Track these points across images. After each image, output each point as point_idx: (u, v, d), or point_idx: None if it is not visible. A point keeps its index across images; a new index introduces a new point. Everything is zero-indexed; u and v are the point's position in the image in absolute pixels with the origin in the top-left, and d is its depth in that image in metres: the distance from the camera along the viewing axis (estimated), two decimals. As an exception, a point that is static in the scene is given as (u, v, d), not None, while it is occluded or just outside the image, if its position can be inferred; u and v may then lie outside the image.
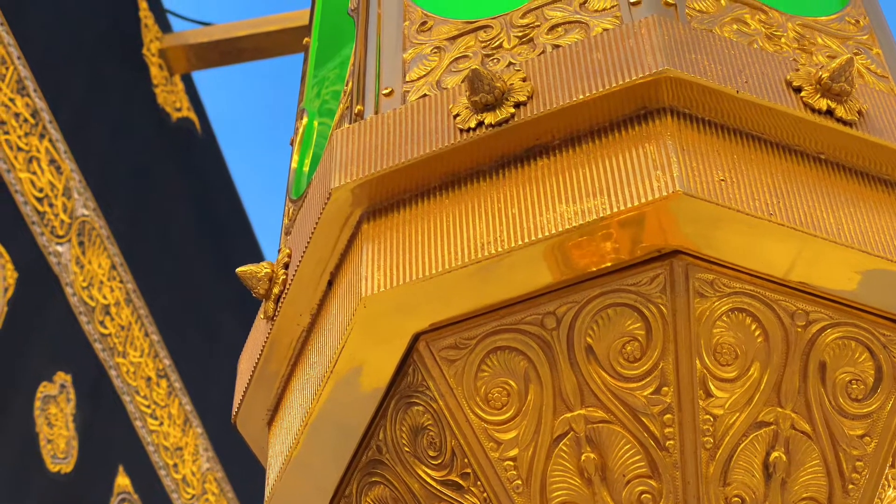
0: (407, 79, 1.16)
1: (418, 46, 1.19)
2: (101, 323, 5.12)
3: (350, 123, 1.17)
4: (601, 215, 0.98)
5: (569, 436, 1.00)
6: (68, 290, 4.96)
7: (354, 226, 1.09)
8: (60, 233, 4.97)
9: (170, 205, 5.71)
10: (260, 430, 1.22)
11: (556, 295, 1.01)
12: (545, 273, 1.01)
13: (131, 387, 5.23)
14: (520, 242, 0.99)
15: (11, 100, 4.82)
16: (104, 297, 5.16)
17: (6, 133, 4.76)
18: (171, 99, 5.78)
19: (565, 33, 1.12)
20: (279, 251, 1.27)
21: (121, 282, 5.28)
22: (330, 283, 1.11)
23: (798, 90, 1.04)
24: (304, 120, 1.41)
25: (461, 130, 1.06)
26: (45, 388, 4.81)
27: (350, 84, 1.23)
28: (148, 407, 5.30)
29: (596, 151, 1.02)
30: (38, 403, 4.76)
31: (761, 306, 0.99)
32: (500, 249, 1.00)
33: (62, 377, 4.90)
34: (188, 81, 5.91)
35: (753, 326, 0.99)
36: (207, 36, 5.74)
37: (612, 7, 1.12)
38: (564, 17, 1.13)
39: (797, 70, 1.05)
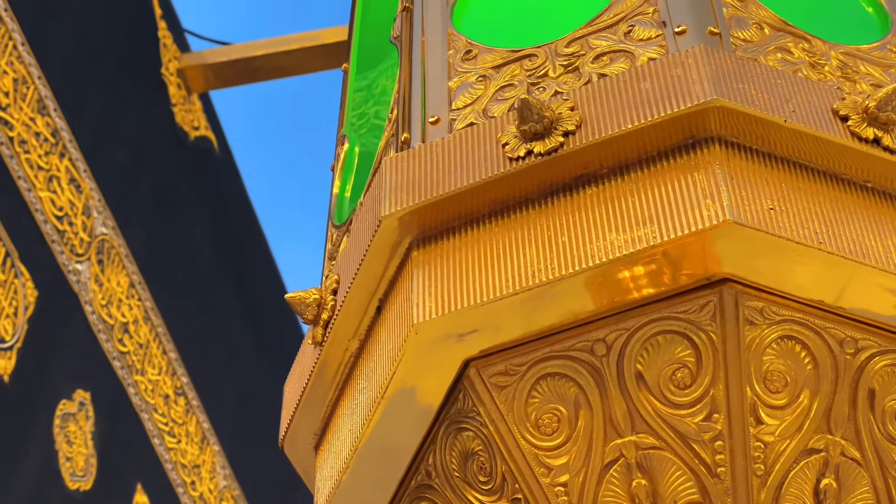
0: (453, 107, 1.18)
1: (463, 75, 1.20)
2: (120, 341, 5.14)
3: (397, 151, 1.19)
4: (651, 243, 0.99)
5: (619, 462, 1.01)
6: (87, 309, 4.99)
7: (404, 253, 1.10)
8: (80, 251, 5.00)
9: (187, 223, 5.74)
10: (307, 454, 1.23)
11: (605, 322, 1.02)
12: (595, 300, 1.02)
13: (149, 404, 5.25)
14: (570, 270, 1.00)
15: (32, 119, 4.85)
16: (123, 315, 5.18)
17: (27, 152, 4.79)
18: (189, 118, 5.81)
19: (611, 62, 1.13)
20: (325, 276, 1.28)
21: (139, 300, 5.30)
22: (379, 310, 1.13)
23: (845, 119, 1.05)
24: (346, 146, 1.42)
25: (510, 159, 1.07)
26: (64, 406, 4.83)
27: (395, 111, 1.25)
28: (166, 424, 5.31)
29: (644, 180, 1.03)
30: (57, 421, 4.78)
31: (810, 334, 1.00)
32: (550, 277, 1.01)
33: (81, 395, 4.92)
34: (206, 100, 5.95)
35: (803, 354, 1.00)
36: (225, 55, 5.77)
37: (657, 36, 1.13)
38: (609, 47, 1.15)
39: (843, 99, 1.06)
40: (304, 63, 5.82)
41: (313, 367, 1.17)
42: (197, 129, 5.86)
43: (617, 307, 1.02)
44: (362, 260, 1.11)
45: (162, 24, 5.68)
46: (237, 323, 6.04)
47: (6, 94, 4.71)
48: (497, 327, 1.03)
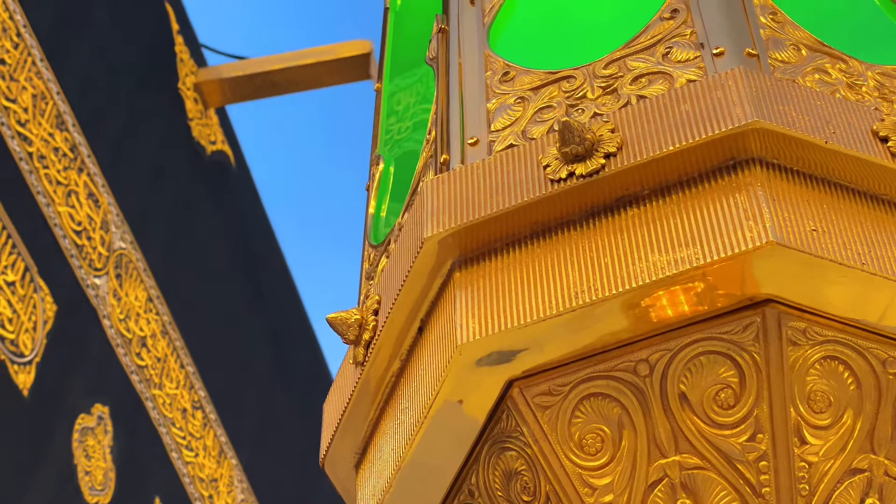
0: (492, 128, 1.19)
1: (502, 96, 1.21)
2: (138, 355, 5.16)
3: (436, 172, 1.20)
4: (694, 265, 1.00)
5: (664, 482, 1.02)
6: (106, 323, 5.01)
7: (446, 274, 1.11)
8: (98, 266, 5.02)
9: (204, 236, 5.76)
10: (347, 473, 1.24)
11: (648, 342, 1.03)
12: (638, 321, 1.03)
13: (167, 418, 5.26)
14: (613, 291, 1.01)
15: (51, 134, 4.88)
16: (141, 330, 5.20)
17: (46, 167, 4.82)
18: (206, 132, 5.84)
19: (649, 84, 1.14)
20: (364, 296, 1.29)
21: (157, 314, 5.32)
22: (421, 330, 1.14)
23: (885, 140, 1.06)
24: (381, 166, 1.43)
25: (552, 181, 1.08)
26: (83, 420, 4.85)
27: (433, 132, 1.26)
28: (184, 438, 5.32)
29: (686, 201, 1.04)
30: (76, 435, 4.80)
31: (853, 354, 1.01)
32: (594, 298, 1.02)
33: (100, 409, 4.94)
34: (222, 115, 5.97)
35: (846, 374, 1.01)
36: (242, 69, 5.80)
37: (696, 58, 1.14)
38: (648, 68, 1.16)
39: (882, 120, 1.07)
40: (319, 77, 5.85)
41: (354, 386, 1.18)
42: (214, 143, 5.89)
43: (659, 328, 1.03)
44: (404, 281, 1.12)
45: (179, 39, 5.71)
46: (254, 337, 6.05)
47: (25, 110, 4.74)
48: (540, 348, 1.04)
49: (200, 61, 5.86)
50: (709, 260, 0.99)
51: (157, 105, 5.53)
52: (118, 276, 5.11)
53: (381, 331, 1.15)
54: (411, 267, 1.11)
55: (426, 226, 1.10)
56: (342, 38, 5.92)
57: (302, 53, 5.80)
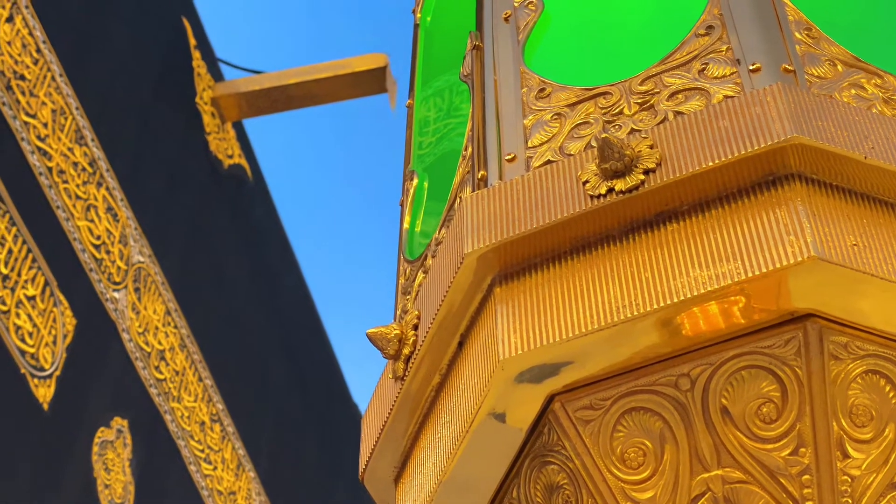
0: (529, 144, 1.20)
1: (538, 113, 1.22)
2: (157, 368, 5.18)
3: (473, 188, 1.21)
4: (736, 280, 1.00)
5: (706, 496, 1.03)
6: (125, 336, 5.03)
7: (486, 289, 1.12)
8: (117, 279, 5.04)
9: (222, 250, 5.78)
10: (386, 487, 1.25)
11: (689, 357, 1.04)
12: (679, 336, 1.03)
13: (186, 431, 5.28)
14: (655, 306, 1.02)
15: (70, 149, 4.91)
16: (159, 343, 5.22)
17: (65, 182, 4.85)
18: (223, 146, 5.87)
19: (686, 100, 1.15)
20: (401, 311, 1.30)
21: (175, 327, 5.34)
22: (461, 345, 1.15)
23: (923, 156, 1.06)
24: (414, 181, 1.44)
25: (591, 197, 1.09)
26: (102, 434, 4.86)
27: (469, 148, 1.27)
28: (202, 451, 5.34)
29: (726, 217, 1.05)
30: (95, 448, 4.81)
31: (895, 368, 1.02)
32: (635, 313, 1.02)
33: (119, 422, 4.95)
34: (239, 129, 6.00)
35: (888, 388, 1.02)
36: (258, 84, 5.83)
37: (732, 74, 1.15)
38: (684, 84, 1.17)
39: (920, 135, 1.08)
40: (335, 91, 5.88)
41: (394, 401, 1.19)
42: (231, 157, 5.91)
43: (700, 342, 1.04)
44: (445, 296, 1.13)
45: (196, 54, 5.74)
46: (271, 349, 6.07)
47: (45, 125, 4.77)
48: (582, 362, 1.05)
49: (217, 76, 5.88)
50: (750, 275, 1.00)
51: (175, 119, 5.56)
52: (137, 290, 5.13)
53: (421, 346, 1.16)
54: (451, 282, 1.12)
55: (466, 241, 1.11)
56: (358, 51, 5.95)
57: (318, 67, 5.82)
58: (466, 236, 1.12)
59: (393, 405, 1.20)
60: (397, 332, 1.19)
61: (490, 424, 1.08)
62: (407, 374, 1.18)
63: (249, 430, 5.67)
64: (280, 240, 6.28)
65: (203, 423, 5.38)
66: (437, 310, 1.14)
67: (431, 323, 1.15)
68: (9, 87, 4.61)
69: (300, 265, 6.38)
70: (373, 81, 5.77)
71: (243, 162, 5.99)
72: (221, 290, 5.69)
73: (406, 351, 1.18)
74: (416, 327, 1.19)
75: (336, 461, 6.46)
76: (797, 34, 1.18)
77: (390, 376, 1.22)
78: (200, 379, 5.42)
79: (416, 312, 1.20)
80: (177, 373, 5.27)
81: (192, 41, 5.72)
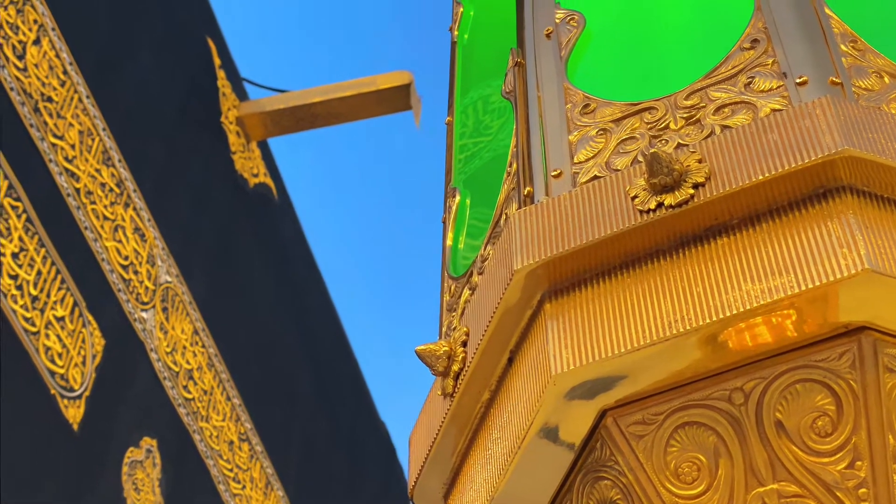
0: (575, 160, 1.20)
1: (583, 128, 1.23)
2: (185, 387, 5.19)
3: (520, 204, 1.22)
4: (789, 293, 1.00)
5: (762, 510, 1.02)
6: (153, 356, 5.04)
7: (536, 305, 1.12)
8: (145, 299, 5.06)
9: (248, 269, 5.80)
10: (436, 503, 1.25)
11: (742, 371, 1.04)
12: (732, 350, 1.03)
13: (214, 450, 5.28)
14: (707, 320, 1.02)
15: (97, 170, 4.94)
16: (187, 362, 5.23)
17: (93, 203, 4.87)
18: (249, 165, 5.89)
19: (732, 114, 1.15)
20: (448, 327, 1.30)
21: (202, 346, 5.35)
22: (510, 361, 1.15)
23: (974, 166, 1.06)
24: (457, 198, 1.45)
25: (640, 212, 1.09)
26: (131, 454, 4.87)
27: (514, 165, 1.27)
28: (231, 470, 5.34)
29: (776, 230, 1.05)
30: (125, 469, 4.82)
31: (951, 380, 1.01)
32: (688, 327, 1.02)
33: (148, 442, 4.97)
34: (264, 147, 6.03)
35: (944, 400, 1.01)
36: (283, 103, 5.85)
37: (779, 87, 1.15)
38: (730, 98, 1.17)
39: (970, 146, 1.08)
40: (360, 109, 5.89)
41: (444, 418, 1.20)
42: (256, 176, 5.94)
43: (754, 356, 1.04)
44: (494, 312, 1.13)
45: (221, 74, 5.77)
46: (299, 368, 6.08)
47: (72, 147, 4.80)
48: (634, 377, 1.05)
49: (242, 95, 5.91)
50: (803, 288, 1.00)
51: (201, 139, 5.59)
52: (164, 310, 5.15)
53: (470, 362, 1.17)
54: (501, 298, 1.13)
55: (516, 258, 1.11)
56: (382, 69, 5.97)
57: (342, 86, 5.85)
58: (516, 253, 1.12)
59: (442, 422, 1.20)
60: (446, 348, 1.20)
61: (542, 440, 1.08)
62: (456, 390, 1.18)
63: (277, 448, 5.67)
64: (305, 257, 6.29)
65: (231, 442, 5.39)
66: (487, 326, 1.14)
67: (481, 339, 1.15)
68: (36, 109, 4.65)
69: (325, 281, 6.39)
70: (397, 99, 5.79)
71: (269, 181, 6.02)
72: (248, 309, 5.71)
73: (455, 368, 1.18)
74: (464, 344, 1.19)
75: (363, 479, 6.45)
76: (843, 46, 1.18)
77: (439, 393, 1.22)
78: (228, 398, 5.43)
79: (465, 329, 1.20)
80: (205, 392, 5.29)
81: (217, 61, 5.75)
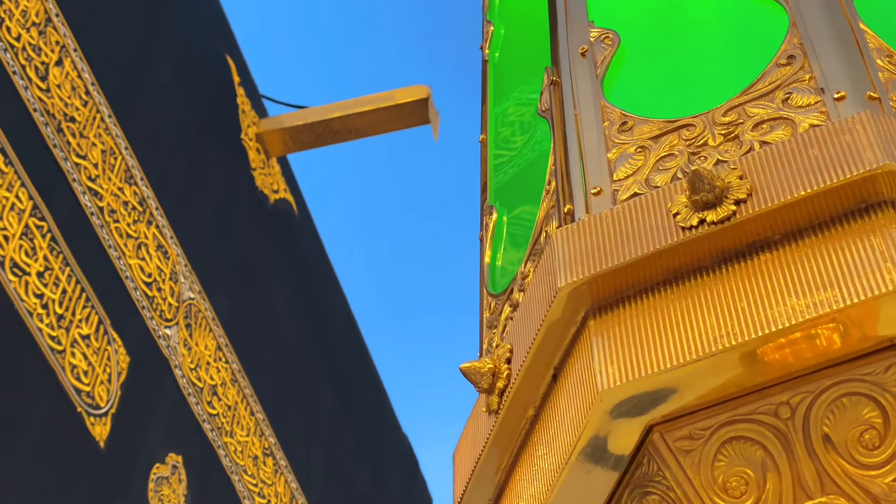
0: (614, 178, 1.21)
1: (621, 146, 1.24)
2: (210, 403, 5.21)
3: (560, 222, 1.23)
4: (834, 308, 1.01)
5: (811, 523, 1.03)
6: (177, 372, 5.06)
7: (580, 322, 1.13)
8: (169, 316, 5.09)
9: (270, 284, 5.82)
10: (482, 520, 1.26)
11: (788, 385, 1.05)
12: (778, 364, 1.04)
13: (239, 466, 5.30)
14: (753, 335, 1.03)
15: (120, 189, 4.97)
16: (211, 378, 5.25)
17: (116, 221, 4.90)
18: (269, 181, 5.92)
19: (771, 130, 1.16)
20: (490, 344, 1.32)
21: (226, 362, 5.37)
22: (555, 377, 1.16)
23: None
24: (494, 216, 1.46)
25: (683, 228, 1.10)
26: (158, 470, 4.89)
27: (553, 183, 1.28)
28: (255, 485, 5.36)
29: (819, 245, 1.06)
30: (151, 485, 4.84)
31: None
32: (733, 342, 1.03)
33: (174, 458, 4.98)
34: (284, 164, 6.05)
35: None
36: (302, 119, 5.88)
37: (817, 103, 1.16)
38: (768, 114, 1.18)
39: None
40: (378, 123, 5.91)
41: (489, 434, 1.21)
42: (276, 192, 5.96)
43: (798, 371, 1.04)
44: (539, 330, 1.14)
45: (240, 91, 5.81)
46: (321, 382, 6.09)
47: (95, 166, 4.83)
48: (680, 393, 1.06)
49: (261, 112, 5.94)
50: (848, 303, 1.01)
51: (221, 156, 5.62)
52: (188, 326, 5.17)
53: (515, 379, 1.18)
54: (545, 316, 1.14)
55: (559, 276, 1.13)
56: (399, 83, 5.99)
57: (360, 101, 5.87)
58: (559, 271, 1.13)
59: (487, 438, 1.21)
60: (490, 366, 1.21)
61: (589, 456, 1.09)
62: (501, 407, 1.19)
63: (301, 462, 5.69)
64: (326, 272, 6.31)
65: (256, 457, 5.40)
66: (531, 343, 1.16)
67: (525, 356, 1.17)
68: (59, 130, 4.68)
69: (347, 296, 6.41)
70: (415, 113, 5.81)
71: (289, 196, 6.04)
72: (270, 324, 5.73)
73: (500, 384, 1.20)
74: (508, 361, 1.20)
75: (386, 491, 6.46)
76: (879, 61, 1.19)
77: (484, 410, 1.23)
78: (252, 413, 5.45)
79: (509, 346, 1.21)
80: (229, 407, 5.31)
81: (236, 78, 5.79)
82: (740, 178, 1.10)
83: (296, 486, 5.62)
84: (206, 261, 5.37)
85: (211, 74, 5.69)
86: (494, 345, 1.29)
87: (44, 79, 4.60)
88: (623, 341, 1.08)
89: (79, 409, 4.48)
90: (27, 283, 4.29)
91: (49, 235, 4.45)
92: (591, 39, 1.37)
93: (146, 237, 5.09)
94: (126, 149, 5.04)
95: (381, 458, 6.55)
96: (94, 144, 4.85)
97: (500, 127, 1.62)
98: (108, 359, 4.69)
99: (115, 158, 4.95)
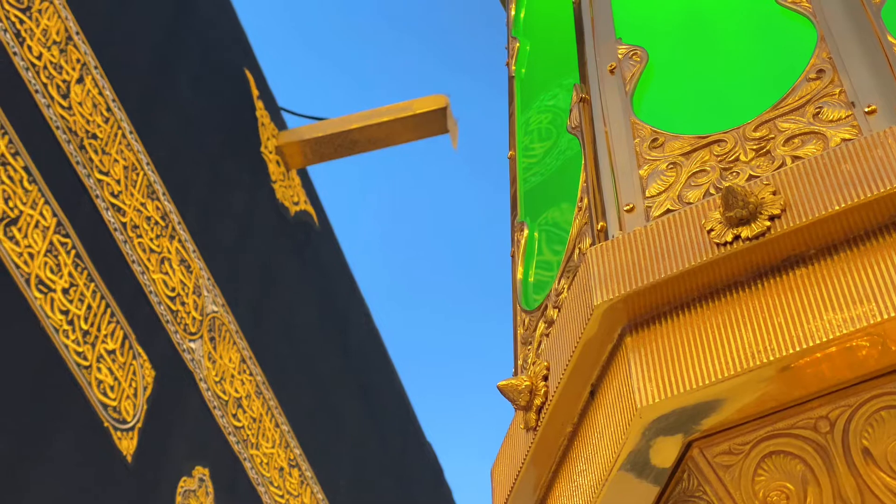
0: (647, 194, 1.22)
1: (652, 162, 1.25)
2: (235, 416, 5.23)
3: (593, 239, 1.24)
4: (871, 322, 1.02)
5: (853, 536, 1.04)
6: (202, 386, 5.09)
7: (616, 339, 1.14)
8: (193, 330, 5.11)
9: (292, 296, 5.84)
10: (521, 537, 1.27)
11: (826, 399, 1.05)
12: (816, 379, 1.05)
13: (265, 478, 5.32)
14: (791, 351, 1.04)
15: (143, 204, 5.00)
16: (236, 391, 5.27)
17: (139, 236, 4.93)
18: (289, 193, 5.94)
19: (803, 144, 1.17)
20: (524, 361, 1.33)
21: (250, 374, 5.40)
22: (592, 394, 1.17)
23: None
24: (525, 232, 1.47)
25: (717, 244, 1.11)
26: (185, 483, 4.91)
27: (585, 200, 1.29)
28: (282, 497, 5.37)
29: (854, 259, 1.07)
30: (178, 499, 4.86)
31: None
32: (771, 358, 1.04)
33: (200, 471, 5.01)
34: (304, 176, 6.08)
35: None
36: (321, 130, 5.90)
37: (848, 117, 1.17)
38: (799, 129, 1.18)
39: None
40: (397, 134, 5.94)
41: (527, 451, 1.22)
42: (297, 204, 5.98)
43: (836, 385, 1.05)
44: (575, 347, 1.15)
45: (259, 104, 5.83)
46: (344, 393, 6.11)
47: (118, 182, 4.87)
48: (719, 408, 1.07)
49: (281, 124, 5.97)
50: (885, 317, 1.01)
51: (242, 169, 5.65)
52: (212, 339, 5.20)
53: (552, 396, 1.19)
54: (582, 333, 1.15)
55: (595, 293, 1.14)
56: (418, 93, 6.01)
57: (379, 111, 5.89)
58: (595, 288, 1.14)
59: (526, 455, 1.22)
60: (527, 383, 1.22)
61: (629, 472, 1.10)
62: (539, 424, 1.20)
63: (327, 473, 5.70)
64: (348, 282, 6.34)
65: (282, 468, 5.42)
66: (568, 361, 1.17)
67: (563, 374, 1.18)
68: (82, 147, 4.72)
69: (369, 307, 6.42)
70: (434, 123, 5.82)
71: (309, 208, 6.07)
72: (293, 336, 5.75)
73: (538, 402, 1.21)
74: (545, 378, 1.21)
75: (412, 501, 6.47)
76: (908, 74, 1.20)
77: (521, 427, 1.24)
78: (277, 425, 5.47)
79: (545, 363, 1.22)
80: (254, 420, 5.33)
81: (255, 91, 5.81)
82: (773, 193, 1.11)
83: (321, 497, 5.64)
84: (228, 274, 5.40)
85: (230, 88, 5.72)
86: (530, 362, 1.30)
87: (65, 96, 4.63)
88: (660, 358, 1.09)
89: (105, 424, 4.50)
90: (52, 300, 4.32)
91: (73, 252, 4.49)
92: (620, 56, 1.38)
93: (169, 252, 5.11)
94: (148, 164, 5.08)
95: (407, 467, 6.56)
96: (116, 161, 4.88)
97: (522, 136, 1.63)
98: (134, 373, 4.72)
99: (138, 174, 4.99)
